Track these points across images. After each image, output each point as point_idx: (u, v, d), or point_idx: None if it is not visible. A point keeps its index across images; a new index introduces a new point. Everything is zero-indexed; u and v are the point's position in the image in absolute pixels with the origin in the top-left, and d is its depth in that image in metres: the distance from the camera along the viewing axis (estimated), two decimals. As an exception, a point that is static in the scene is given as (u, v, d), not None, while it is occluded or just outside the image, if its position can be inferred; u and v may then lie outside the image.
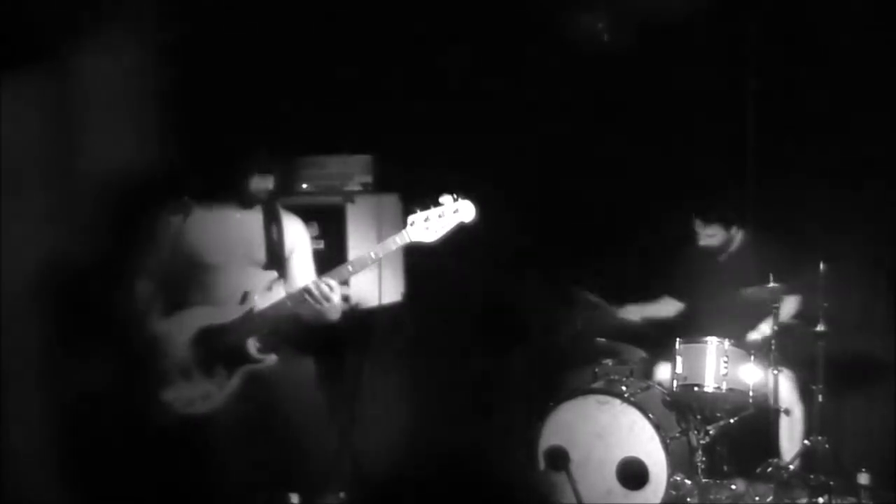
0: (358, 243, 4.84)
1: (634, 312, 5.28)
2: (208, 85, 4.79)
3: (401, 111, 5.37)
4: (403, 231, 3.86)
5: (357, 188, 5.06)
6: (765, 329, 4.90)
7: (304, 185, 5.09)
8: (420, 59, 5.43)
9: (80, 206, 4.37)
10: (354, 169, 5.10)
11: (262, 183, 4.01)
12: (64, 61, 4.32)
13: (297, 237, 4.16)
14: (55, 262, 4.27)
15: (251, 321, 3.91)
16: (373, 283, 4.93)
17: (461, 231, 3.90)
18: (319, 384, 4.16)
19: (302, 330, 4.07)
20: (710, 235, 5.10)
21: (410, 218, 3.86)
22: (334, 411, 4.91)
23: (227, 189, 4.01)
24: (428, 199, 3.87)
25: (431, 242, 3.86)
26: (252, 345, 3.89)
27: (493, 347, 5.67)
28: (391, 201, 5.06)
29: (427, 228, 3.83)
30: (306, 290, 3.87)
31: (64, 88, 4.33)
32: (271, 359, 3.91)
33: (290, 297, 3.95)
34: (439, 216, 3.83)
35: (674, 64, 5.48)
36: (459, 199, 3.84)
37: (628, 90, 5.56)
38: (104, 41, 4.43)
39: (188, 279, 3.99)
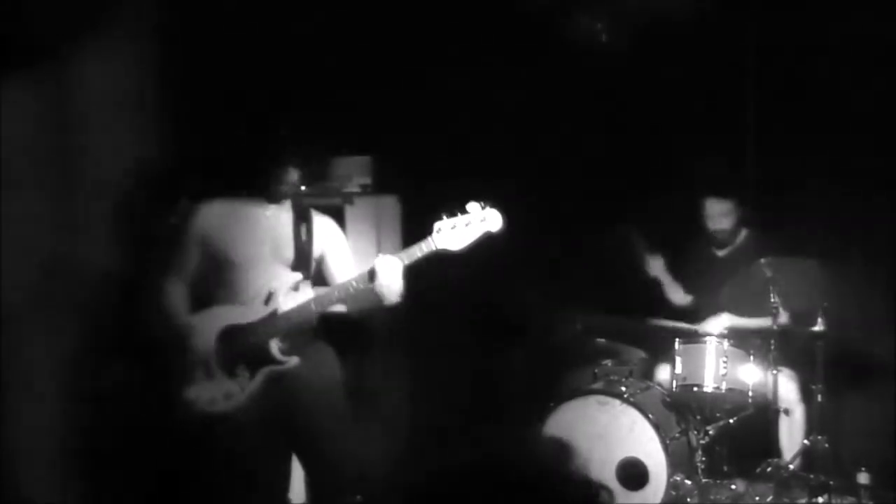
0: (357, 245, 4.84)
1: (658, 268, 5.27)
2: (207, 86, 4.79)
3: (400, 112, 5.37)
4: (430, 238, 3.78)
5: (356, 190, 5.06)
6: (746, 322, 4.91)
7: (303, 187, 5.09)
8: (419, 60, 5.43)
9: (85, 207, 4.39)
10: (353, 170, 5.11)
11: (288, 176, 3.94)
12: (64, 62, 4.32)
13: (330, 237, 4.08)
14: (64, 263, 4.29)
15: (274, 322, 3.85)
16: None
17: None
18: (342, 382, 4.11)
19: (329, 332, 4.05)
20: (724, 214, 5.09)
21: (437, 224, 3.76)
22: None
23: (252, 183, 3.95)
24: (455, 206, 3.75)
25: (457, 251, 3.77)
26: (275, 346, 3.85)
27: (492, 348, 5.68)
28: (390, 203, 5.07)
29: (454, 236, 3.75)
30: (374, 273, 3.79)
31: (66, 89, 4.34)
32: (293, 360, 3.87)
33: (315, 299, 3.89)
34: (466, 224, 3.73)
35: (673, 64, 5.48)
36: (487, 208, 3.74)
37: (627, 90, 5.56)
38: (107, 41, 4.44)
39: (214, 277, 3.94)
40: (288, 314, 3.87)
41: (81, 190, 4.36)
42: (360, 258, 4.90)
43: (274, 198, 3.97)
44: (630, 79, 5.56)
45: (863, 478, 4.64)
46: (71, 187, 4.31)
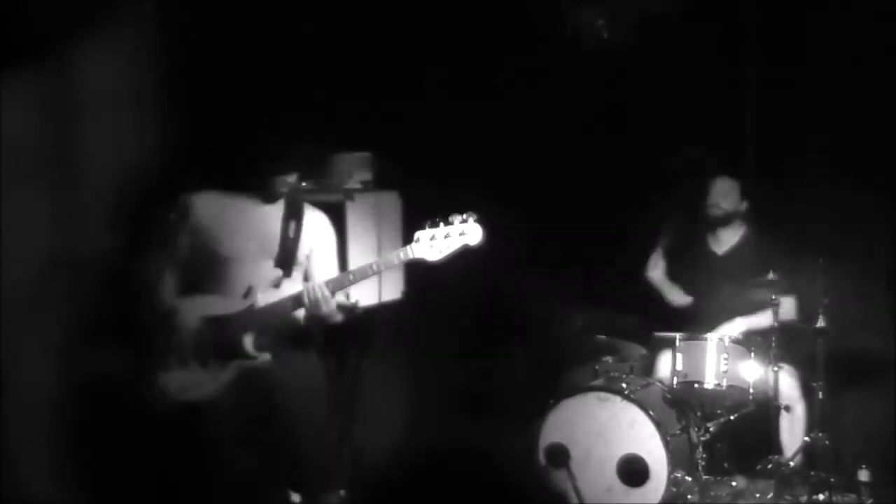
0: (357, 242, 4.83)
1: (659, 272, 5.35)
2: (208, 83, 4.79)
3: (401, 109, 5.36)
4: (408, 247, 3.83)
5: (357, 186, 5.04)
6: (757, 321, 4.90)
7: (304, 183, 5.08)
8: (420, 56, 5.42)
9: (85, 202, 4.39)
10: (354, 166, 5.09)
11: (288, 178, 3.99)
12: (65, 60, 4.32)
13: (320, 235, 4.11)
14: (61, 256, 4.30)
15: (250, 317, 3.89)
16: (372, 281, 4.91)
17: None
18: (322, 383, 4.14)
19: (305, 328, 4.06)
20: (727, 193, 5.10)
21: (417, 234, 3.82)
22: (334, 409, 4.92)
23: (251, 181, 3.99)
24: (438, 216, 3.79)
25: (434, 261, 3.82)
26: (248, 341, 3.88)
27: (493, 345, 5.67)
28: (391, 199, 5.06)
29: (432, 247, 3.79)
30: (303, 293, 3.87)
31: (68, 86, 4.35)
32: (265, 357, 3.90)
33: (291, 297, 3.93)
34: (445, 236, 3.78)
35: (673, 61, 5.48)
36: (469, 221, 3.78)
37: (627, 87, 5.56)
38: (108, 39, 4.44)
39: (204, 269, 3.98)
40: (264, 309, 3.90)
41: (81, 185, 4.37)
42: (362, 255, 4.92)
43: (271, 198, 4.01)
44: (629, 75, 5.56)
45: (863, 475, 4.64)
46: (70, 183, 4.33)
